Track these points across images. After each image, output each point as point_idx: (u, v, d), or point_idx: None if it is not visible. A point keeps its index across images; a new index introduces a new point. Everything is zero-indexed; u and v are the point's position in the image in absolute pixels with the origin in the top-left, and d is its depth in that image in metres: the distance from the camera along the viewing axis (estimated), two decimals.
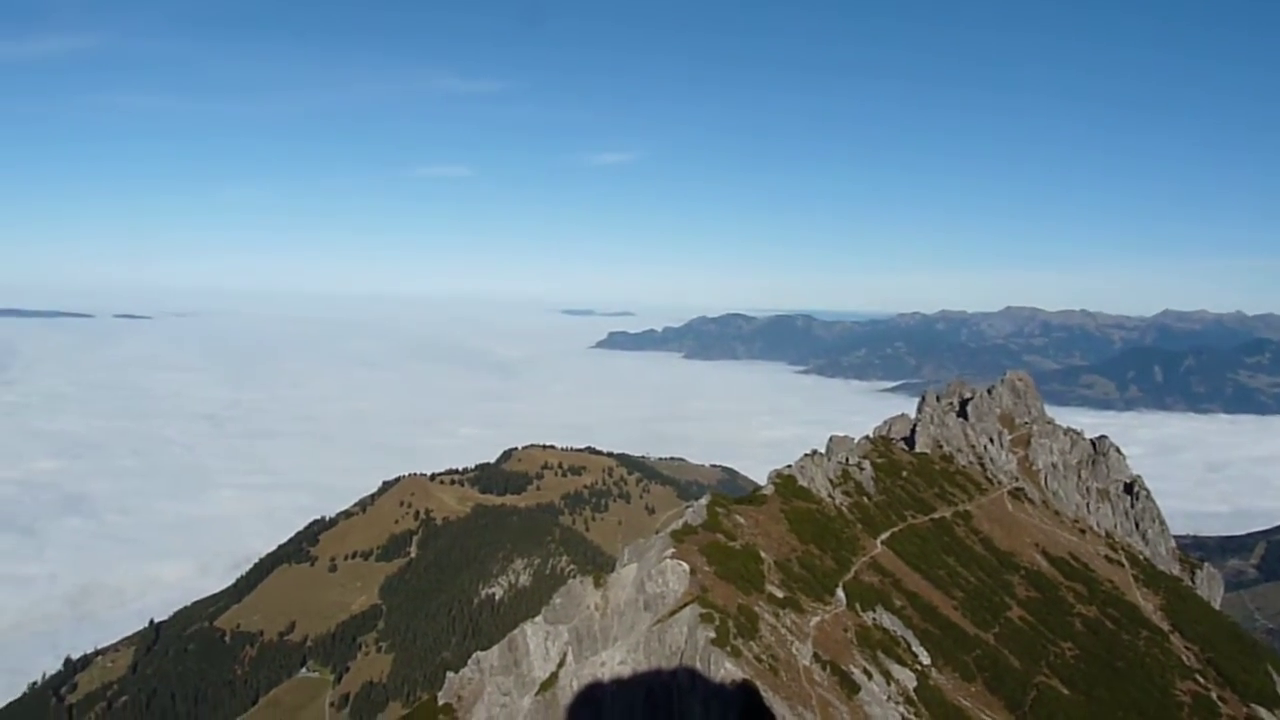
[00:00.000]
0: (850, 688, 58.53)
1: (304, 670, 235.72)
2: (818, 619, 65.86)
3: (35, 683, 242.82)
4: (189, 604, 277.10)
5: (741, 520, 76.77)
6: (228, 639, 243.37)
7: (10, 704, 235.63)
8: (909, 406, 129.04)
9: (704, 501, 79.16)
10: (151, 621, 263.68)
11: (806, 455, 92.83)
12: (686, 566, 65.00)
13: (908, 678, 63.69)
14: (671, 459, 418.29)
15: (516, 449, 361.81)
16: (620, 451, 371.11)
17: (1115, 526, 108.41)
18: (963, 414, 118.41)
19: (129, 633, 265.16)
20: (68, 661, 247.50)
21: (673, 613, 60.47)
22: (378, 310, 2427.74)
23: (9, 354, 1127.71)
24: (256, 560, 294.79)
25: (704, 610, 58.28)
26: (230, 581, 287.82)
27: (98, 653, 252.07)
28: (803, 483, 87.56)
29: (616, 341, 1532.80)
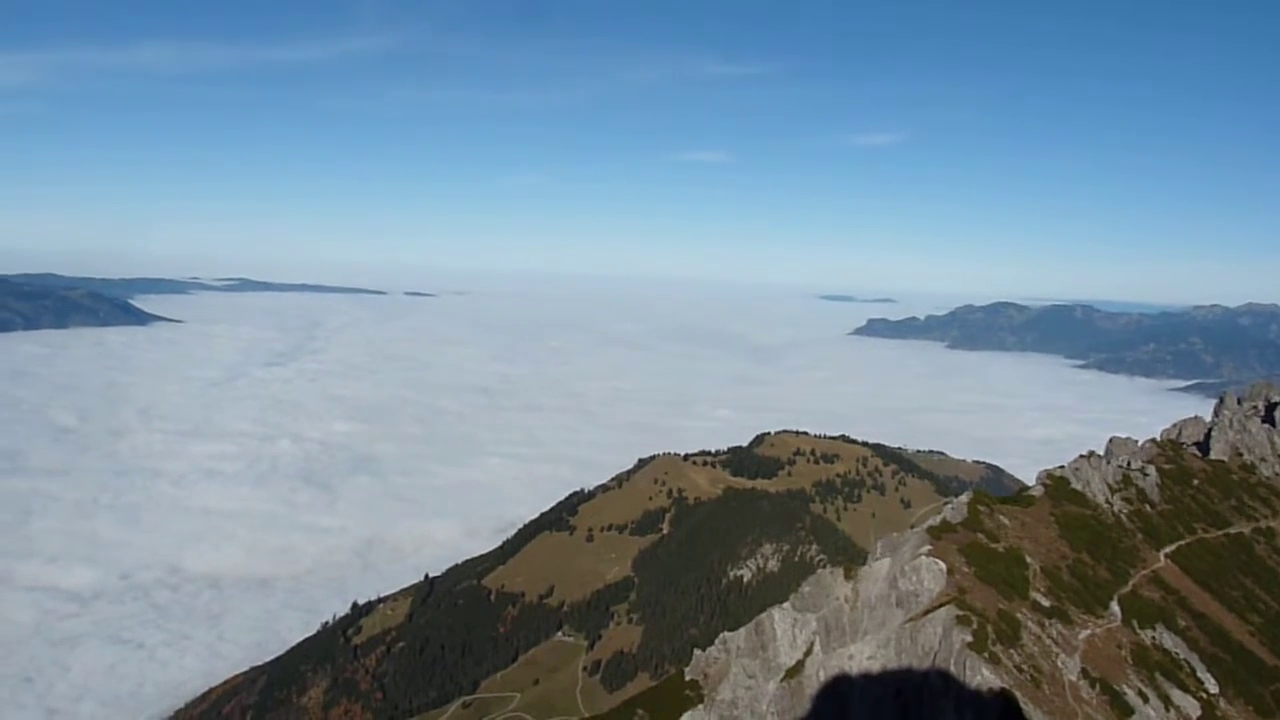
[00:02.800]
0: (1122, 709, 54.18)
1: (560, 634, 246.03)
2: (1088, 632, 61.46)
3: (327, 622, 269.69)
4: (459, 562, 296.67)
5: (1005, 521, 72.83)
6: (493, 598, 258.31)
7: (306, 639, 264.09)
8: (1204, 408, 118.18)
9: (965, 498, 75.85)
10: (426, 576, 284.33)
11: (1082, 456, 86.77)
12: (943, 565, 62.54)
13: (1191, 705, 58.11)
14: (930, 452, 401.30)
15: (769, 434, 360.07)
16: (876, 441, 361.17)
17: None
18: (1269, 419, 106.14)
19: (406, 584, 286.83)
20: (354, 606, 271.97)
21: (927, 612, 58.32)
22: (640, 293, 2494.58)
23: (315, 326, 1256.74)
24: (520, 526, 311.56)
25: (961, 612, 55.82)
26: (496, 544, 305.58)
27: (379, 600, 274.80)
28: (1076, 485, 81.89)
29: (876, 329, 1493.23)
